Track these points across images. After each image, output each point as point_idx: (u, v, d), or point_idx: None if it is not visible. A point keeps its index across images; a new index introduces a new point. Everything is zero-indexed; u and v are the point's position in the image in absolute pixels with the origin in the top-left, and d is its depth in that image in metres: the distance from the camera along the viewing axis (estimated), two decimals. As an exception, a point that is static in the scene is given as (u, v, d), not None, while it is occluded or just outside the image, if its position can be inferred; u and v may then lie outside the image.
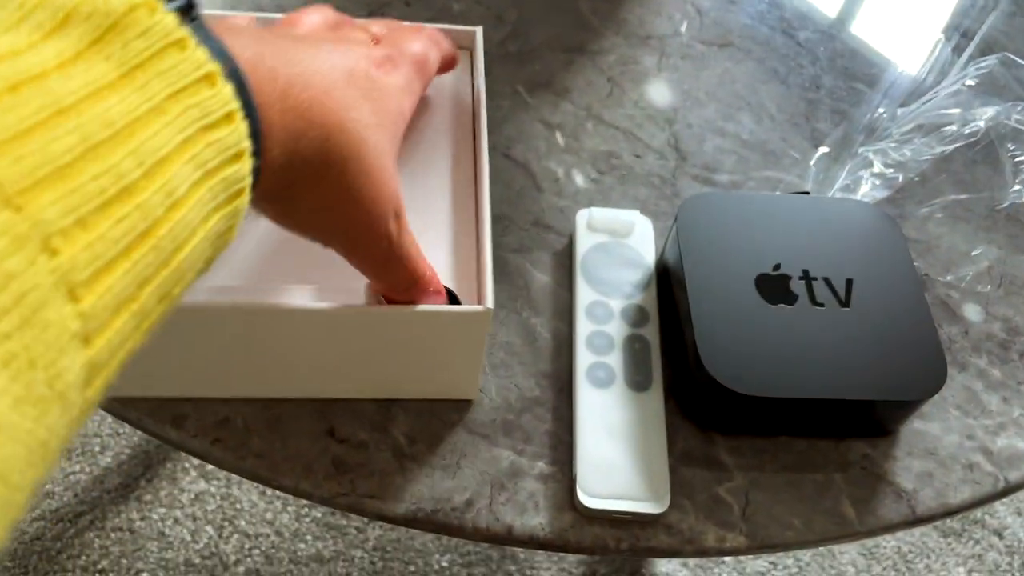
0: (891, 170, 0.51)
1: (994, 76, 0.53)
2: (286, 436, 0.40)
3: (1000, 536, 1.07)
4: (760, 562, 1.01)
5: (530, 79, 0.56)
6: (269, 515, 0.98)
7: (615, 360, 0.43)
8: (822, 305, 0.42)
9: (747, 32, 0.61)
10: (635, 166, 0.52)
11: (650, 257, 0.47)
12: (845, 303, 0.42)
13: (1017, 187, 0.49)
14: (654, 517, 0.39)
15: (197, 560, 0.95)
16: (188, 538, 0.96)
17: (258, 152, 0.24)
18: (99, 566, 0.93)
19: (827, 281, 0.43)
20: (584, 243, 0.47)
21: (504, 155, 0.52)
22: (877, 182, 0.51)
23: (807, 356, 0.40)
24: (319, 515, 0.98)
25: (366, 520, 0.99)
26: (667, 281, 0.45)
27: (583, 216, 0.48)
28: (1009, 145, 0.51)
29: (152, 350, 0.37)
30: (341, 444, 0.40)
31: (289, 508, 0.99)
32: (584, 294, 0.45)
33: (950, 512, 0.43)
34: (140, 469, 1.00)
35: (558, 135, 0.53)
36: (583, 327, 0.44)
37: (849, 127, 0.55)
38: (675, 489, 0.40)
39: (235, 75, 0.23)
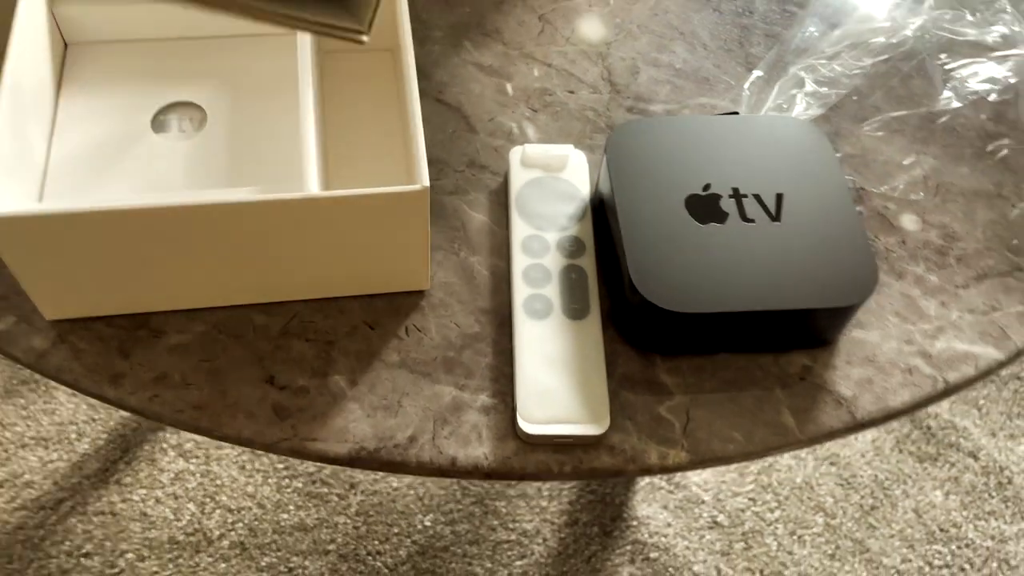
0: (824, 88, 0.51)
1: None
2: (226, 387, 0.40)
3: (975, 458, 1.09)
4: (739, 499, 1.03)
5: (460, 22, 0.55)
6: (250, 488, 0.98)
7: (552, 291, 0.43)
8: (753, 221, 0.42)
9: (678, -37, 0.60)
10: (569, 102, 0.52)
11: (585, 189, 0.47)
12: (776, 217, 0.42)
13: (947, 94, 0.49)
14: (595, 439, 0.39)
15: (181, 537, 0.95)
16: (171, 516, 0.96)
17: None
18: (83, 550, 0.94)
19: (757, 197, 0.43)
20: (518, 180, 0.47)
21: (436, 99, 0.51)
22: (811, 100, 0.51)
23: (739, 271, 0.40)
24: (300, 485, 0.99)
25: (347, 487, 0.99)
26: (601, 211, 0.45)
27: (516, 153, 0.48)
28: (940, 55, 0.51)
29: (99, 261, 0.37)
30: (281, 391, 0.40)
31: (270, 481, 0.99)
32: (519, 229, 0.45)
33: (890, 415, 0.43)
34: (118, 453, 1.00)
35: (491, 77, 0.53)
36: (519, 261, 0.44)
37: (782, 49, 0.55)
38: (616, 412, 0.41)
39: None
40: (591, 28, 0.56)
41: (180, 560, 0.93)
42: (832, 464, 1.07)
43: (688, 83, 0.53)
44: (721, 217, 0.42)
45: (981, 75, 0.51)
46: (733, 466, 1.06)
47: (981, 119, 0.53)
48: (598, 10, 0.57)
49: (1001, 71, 0.51)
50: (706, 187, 0.43)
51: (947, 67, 0.50)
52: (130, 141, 0.43)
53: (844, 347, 0.44)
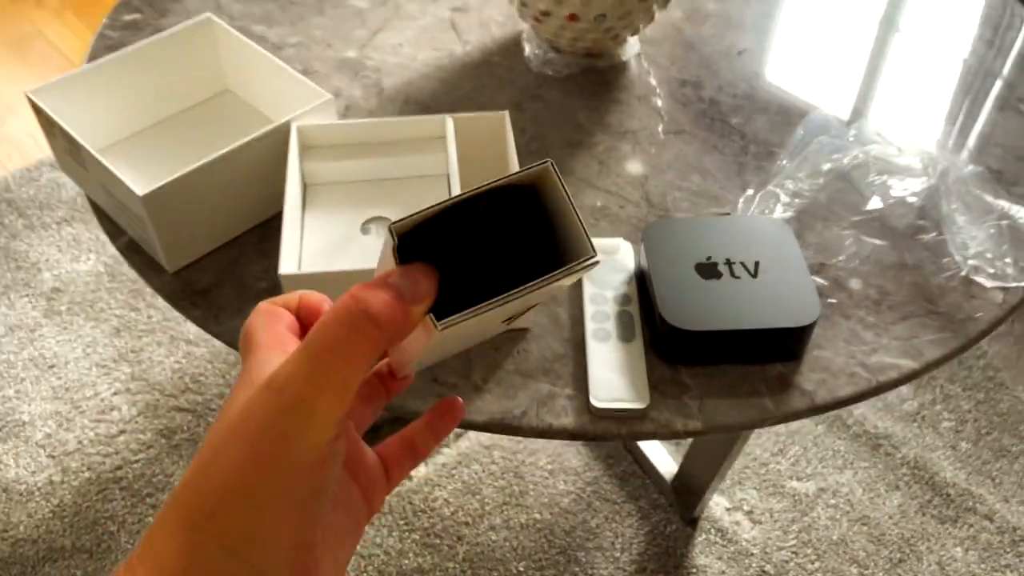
0: (792, 199, 0.73)
1: (861, 134, 0.75)
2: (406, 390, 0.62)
3: (991, 520, 1.20)
4: (784, 552, 1.16)
5: (546, 166, 0.80)
6: (378, 539, 1.17)
7: (610, 326, 0.64)
8: (739, 278, 0.63)
9: (695, 124, 0.84)
10: (619, 214, 0.75)
11: (631, 266, 0.69)
12: (754, 275, 0.63)
13: (876, 200, 0.71)
14: (641, 411, 0.59)
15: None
16: None
17: None
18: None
19: (742, 264, 0.64)
20: (587, 260, 0.69)
21: (532, 214, 0.75)
22: (783, 207, 0.72)
23: (729, 305, 0.61)
24: (417, 537, 1.17)
25: (455, 538, 1.17)
26: (642, 277, 0.67)
27: (586, 244, 0.70)
28: (868, 173, 0.72)
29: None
30: (441, 386, 0.62)
31: (393, 533, 1.18)
32: (589, 289, 0.67)
33: (840, 403, 0.62)
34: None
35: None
36: (589, 308, 0.65)
37: (765, 176, 0.77)
38: (654, 398, 0.61)
39: None
40: (634, 167, 0.79)
41: None
42: (864, 524, 1.20)
43: (702, 200, 0.76)
44: (718, 276, 0.63)
45: (900, 186, 0.72)
46: (777, 523, 1.20)
47: (907, 215, 0.73)
48: (639, 156, 0.81)
49: (916, 184, 0.73)
50: (708, 258, 0.65)
51: (868, 180, 0.72)
52: (348, 240, 0.67)
53: (808, 361, 0.63)
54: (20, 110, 1.95)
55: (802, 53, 0.94)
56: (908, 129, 0.84)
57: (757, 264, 0.64)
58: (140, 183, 0.62)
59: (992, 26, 0.98)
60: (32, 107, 0.70)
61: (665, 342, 0.62)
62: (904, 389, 1.37)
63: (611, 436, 0.60)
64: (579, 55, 0.90)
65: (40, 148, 1.83)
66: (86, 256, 1.57)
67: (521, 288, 0.28)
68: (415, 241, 0.29)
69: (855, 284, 0.69)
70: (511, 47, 0.93)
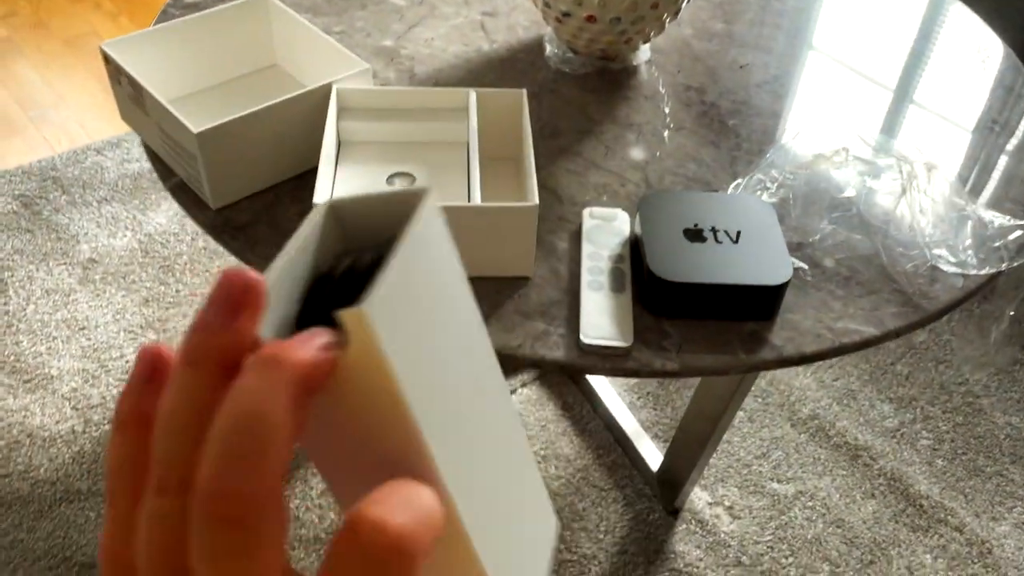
0: (775, 186, 0.79)
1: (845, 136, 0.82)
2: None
3: (961, 532, 1.24)
4: (760, 546, 1.20)
5: (559, 146, 0.87)
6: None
7: (604, 278, 0.70)
8: (721, 243, 0.70)
9: (696, 122, 0.91)
10: (620, 191, 0.81)
11: (626, 232, 0.75)
12: (736, 242, 0.70)
13: (850, 191, 0.77)
14: (625, 349, 0.65)
15: (324, 536, 1.19)
16: (316, 521, 1.21)
17: None
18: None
19: (726, 232, 0.71)
20: (588, 224, 0.76)
21: (542, 186, 0.82)
22: (768, 195, 0.79)
23: (710, 264, 0.67)
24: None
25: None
26: (635, 242, 0.73)
27: (587, 212, 0.77)
28: (848, 169, 0.79)
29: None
30: (448, 319, 0.68)
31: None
32: (587, 248, 0.73)
33: (804, 358, 0.68)
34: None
35: (574, 175, 0.83)
36: (586, 263, 0.72)
37: (755, 168, 0.84)
38: (637, 343, 0.67)
39: None
40: (637, 153, 0.86)
41: (323, 551, 1.17)
42: (838, 527, 1.24)
43: (696, 185, 0.83)
44: (703, 240, 0.70)
45: (876, 183, 0.79)
46: (755, 520, 1.25)
47: (881, 209, 0.80)
48: (642, 145, 0.88)
49: (891, 182, 0.79)
50: (695, 225, 0.71)
51: (854, 177, 0.78)
52: (373, 190, 0.74)
53: (779, 321, 0.69)
54: (71, 99, 2.05)
55: (798, 70, 1.01)
56: (888, 136, 0.91)
57: (739, 233, 0.70)
58: (194, 126, 0.69)
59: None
60: (104, 58, 0.78)
61: (651, 293, 0.68)
62: (886, 407, 1.41)
63: (596, 369, 0.66)
64: (595, 57, 0.97)
65: (87, 135, 1.93)
66: (122, 233, 1.65)
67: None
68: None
69: (828, 263, 0.75)
70: (534, 47, 1.00)
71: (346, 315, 0.20)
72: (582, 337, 0.66)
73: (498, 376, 0.28)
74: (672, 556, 1.19)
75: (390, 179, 0.75)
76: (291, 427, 0.20)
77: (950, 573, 1.20)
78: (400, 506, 0.20)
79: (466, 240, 0.68)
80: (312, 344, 0.21)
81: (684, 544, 1.21)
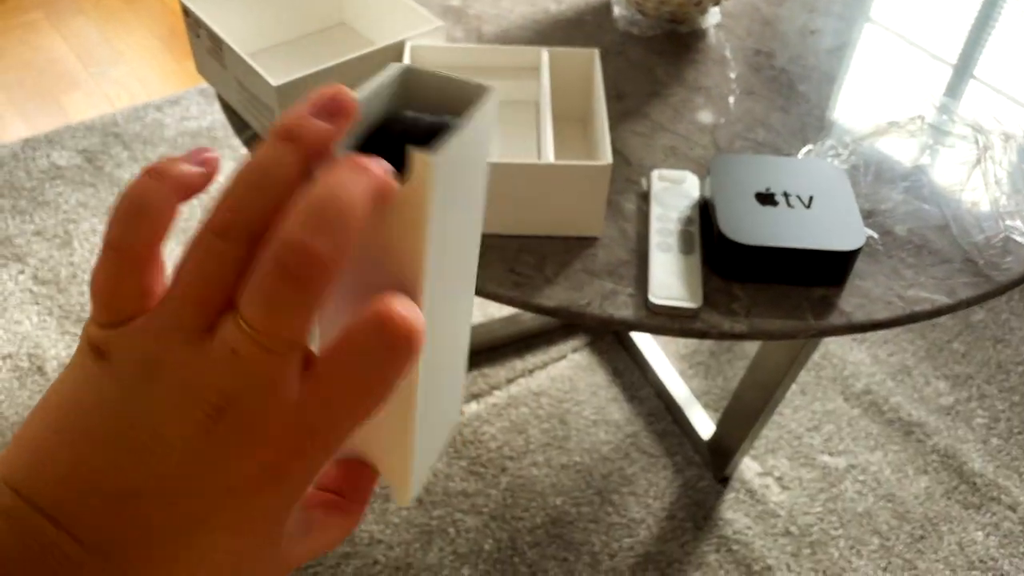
0: (847, 152, 0.79)
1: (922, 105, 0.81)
2: (485, 273, 0.70)
3: (1014, 511, 1.23)
4: (809, 517, 1.21)
5: (626, 109, 0.87)
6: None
7: (673, 240, 0.71)
8: (793, 207, 0.70)
9: (765, 87, 0.91)
10: (688, 153, 0.82)
11: (695, 194, 0.75)
12: (808, 207, 0.70)
13: (925, 159, 0.76)
14: (693, 311, 0.66)
15: (378, 490, 1.22)
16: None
17: None
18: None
19: (798, 196, 0.71)
20: (656, 187, 0.76)
21: (613, 148, 0.82)
22: (839, 161, 0.79)
23: (782, 227, 0.68)
24: (464, 464, 1.25)
25: (500, 469, 1.25)
26: (704, 205, 0.73)
27: (656, 173, 0.77)
28: (923, 137, 0.78)
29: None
30: (518, 275, 0.70)
31: (443, 459, 1.26)
32: (655, 210, 0.74)
33: (875, 324, 0.68)
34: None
35: (642, 137, 0.83)
36: (655, 224, 0.72)
37: (825, 134, 0.83)
38: (705, 305, 0.67)
39: None
40: (705, 116, 0.86)
41: (375, 506, 1.20)
42: (889, 501, 1.24)
43: (765, 150, 0.82)
44: (775, 203, 0.70)
45: (950, 152, 0.78)
46: (805, 491, 1.25)
47: (954, 178, 0.79)
48: (711, 108, 0.87)
49: (966, 151, 0.78)
50: (767, 189, 0.71)
51: (929, 145, 0.77)
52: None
53: (849, 287, 0.69)
54: (130, 57, 2.09)
55: (872, 39, 0.99)
56: (963, 105, 0.89)
57: (811, 198, 0.70)
58: (272, 80, 0.71)
59: (1057, 28, 1.03)
60: (183, 10, 0.80)
61: (720, 255, 0.69)
62: (941, 384, 1.40)
63: (664, 330, 0.67)
64: (663, 19, 0.97)
65: (146, 92, 1.97)
66: (181, 189, 1.69)
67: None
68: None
69: (899, 231, 0.75)
70: (601, 9, 1.00)
71: (417, 156, 0.23)
72: (651, 297, 0.66)
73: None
74: (721, 523, 1.20)
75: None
76: (361, 227, 0.22)
77: (1001, 550, 1.19)
78: (415, 312, 0.23)
79: (536, 198, 0.69)
80: (384, 168, 0.23)
81: (733, 512, 1.22)
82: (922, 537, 1.20)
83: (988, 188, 0.78)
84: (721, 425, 1.26)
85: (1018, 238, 0.75)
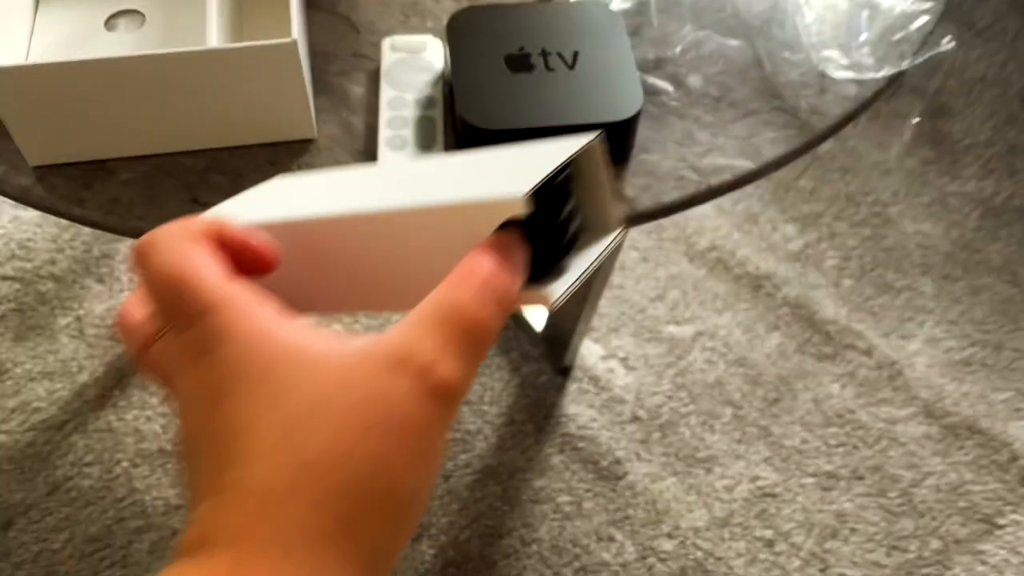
0: (629, -13, 0.64)
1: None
2: (162, 206, 0.54)
3: (869, 355, 1.21)
4: (657, 397, 1.15)
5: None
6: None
7: (408, 133, 0.56)
8: (553, 70, 0.55)
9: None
10: (433, 9, 0.66)
11: (438, 66, 0.60)
12: (571, 67, 0.56)
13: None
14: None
15: (169, 448, 1.08)
16: (159, 431, 1.10)
17: None
18: (85, 461, 1.07)
19: (559, 55, 0.56)
20: (388, 60, 0.60)
21: (331, 12, 0.65)
22: (617, 0, 0.64)
23: (540, 101, 0.54)
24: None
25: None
26: (447, 79, 0.58)
27: (387, 42, 0.61)
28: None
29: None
30: (203, 207, 0.54)
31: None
32: (387, 93, 0.58)
33: (664, 209, 0.56)
34: (114, 381, 1.13)
35: (373, -6, 0.66)
36: (386, 113, 0.57)
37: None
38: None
39: None
40: (456, -43, 0.70)
41: (167, 466, 1.06)
42: (740, 366, 1.19)
43: (531, -7, 0.67)
44: (530, 68, 0.55)
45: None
46: (652, 369, 1.19)
47: (761, 4, 0.66)
48: (463, -56, 0.71)
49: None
50: (520, 49, 0.56)
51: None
52: (88, 38, 0.57)
53: (632, 166, 0.57)
54: None
55: None
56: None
57: (576, 55, 0.56)
58: None
59: None
60: None
61: (466, 147, 0.55)
62: (790, 228, 1.34)
63: (401, 255, 0.53)
64: None
65: None
66: None
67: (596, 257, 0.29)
68: None
69: (694, 81, 0.62)
70: None
71: (540, 294, 0.28)
72: (378, 214, 0.52)
73: None
74: (564, 420, 1.13)
75: (112, 21, 0.58)
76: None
77: (859, 400, 1.17)
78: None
79: (214, 98, 0.52)
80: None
81: (576, 405, 1.14)
82: (776, 400, 1.16)
83: (799, 11, 0.66)
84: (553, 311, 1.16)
85: (834, 73, 0.63)
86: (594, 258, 0.29)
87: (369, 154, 0.56)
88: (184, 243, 0.27)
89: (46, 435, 1.09)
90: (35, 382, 1.13)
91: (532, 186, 0.26)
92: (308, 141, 0.57)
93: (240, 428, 0.22)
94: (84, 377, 1.13)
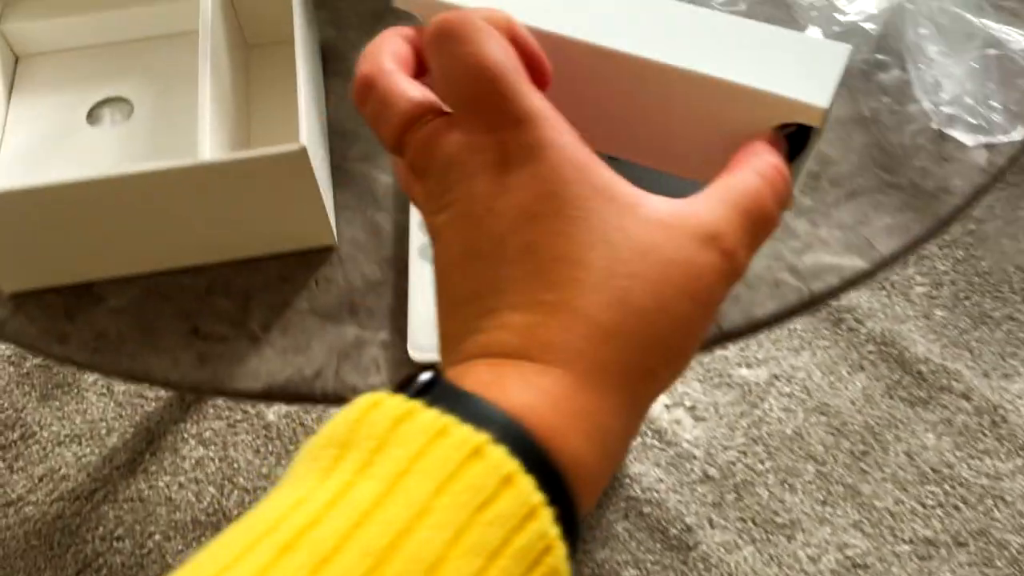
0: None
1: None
2: (156, 340, 0.46)
3: (968, 399, 1.09)
4: (730, 452, 1.06)
5: (377, 8, 0.60)
6: (264, 469, 1.05)
7: (444, 237, 0.47)
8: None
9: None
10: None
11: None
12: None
13: (812, 28, 0.53)
14: (477, 361, 0.44)
15: (203, 518, 1.02)
16: (193, 499, 1.03)
17: (563, 486, 0.21)
18: (115, 534, 1.01)
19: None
20: (419, 142, 0.51)
21: (349, 79, 0.56)
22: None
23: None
24: (310, 464, 1.05)
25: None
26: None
27: (417, 119, 0.52)
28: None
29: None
30: (204, 341, 0.46)
31: (283, 462, 1.05)
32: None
33: (757, 325, 0.46)
34: (143, 444, 1.07)
35: (401, 54, 0.57)
36: (417, 213, 0.48)
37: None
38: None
39: (510, 431, 0.21)
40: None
41: (203, 538, 1.00)
42: (822, 414, 1.09)
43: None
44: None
45: (850, 8, 0.54)
46: (722, 419, 1.09)
47: (860, 49, 0.56)
48: None
49: (872, 4, 0.54)
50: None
51: (816, 3, 0.53)
52: (68, 134, 0.49)
53: (717, 268, 0.47)
54: None
55: None
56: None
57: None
58: None
59: None
60: None
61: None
62: (872, 252, 1.22)
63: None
64: None
65: None
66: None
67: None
68: None
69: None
70: None
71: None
72: (411, 350, 0.44)
73: None
74: (626, 481, 1.04)
75: (96, 111, 0.50)
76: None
77: (958, 452, 1.06)
78: None
79: (215, 210, 0.44)
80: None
81: (640, 464, 1.05)
82: (864, 453, 1.06)
83: (910, 56, 0.55)
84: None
85: (958, 134, 0.53)
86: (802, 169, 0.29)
87: (399, 262, 0.48)
88: (497, 39, 0.24)
89: (74, 506, 1.03)
90: (63, 446, 1.08)
91: (830, 97, 0.26)
92: (328, 249, 0.48)
93: (566, 253, 0.23)
94: (113, 439, 1.08)
